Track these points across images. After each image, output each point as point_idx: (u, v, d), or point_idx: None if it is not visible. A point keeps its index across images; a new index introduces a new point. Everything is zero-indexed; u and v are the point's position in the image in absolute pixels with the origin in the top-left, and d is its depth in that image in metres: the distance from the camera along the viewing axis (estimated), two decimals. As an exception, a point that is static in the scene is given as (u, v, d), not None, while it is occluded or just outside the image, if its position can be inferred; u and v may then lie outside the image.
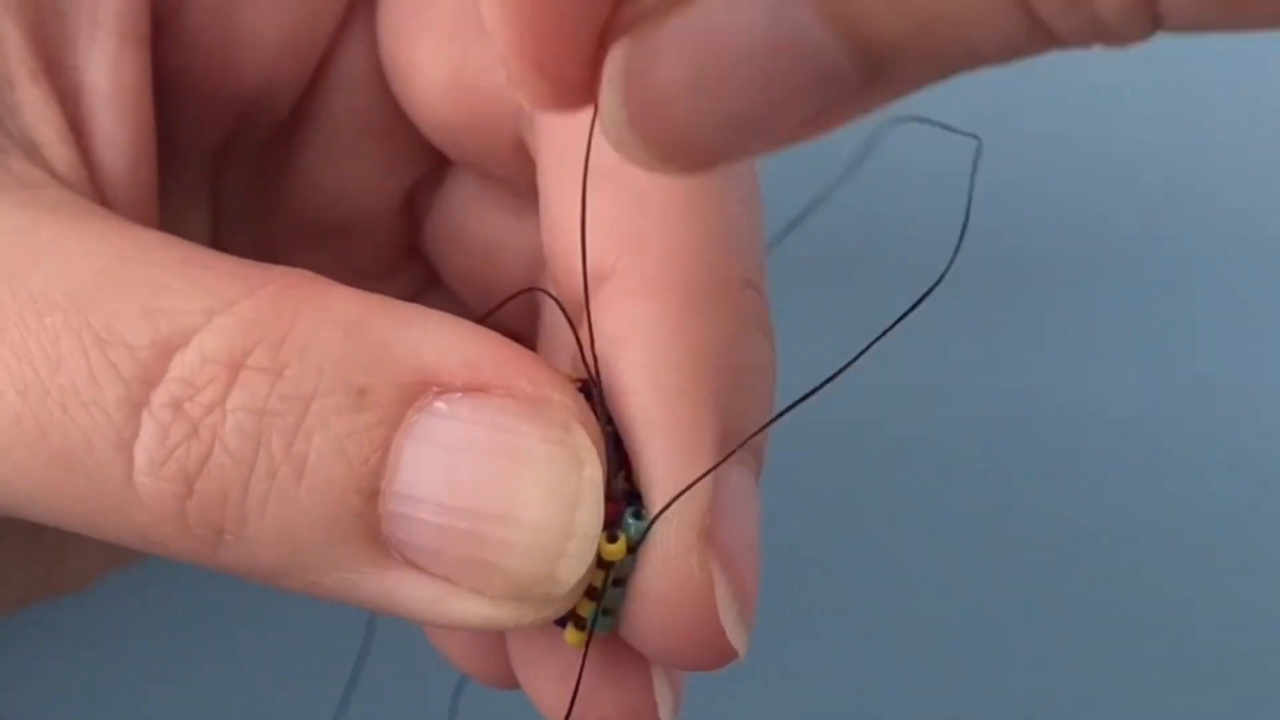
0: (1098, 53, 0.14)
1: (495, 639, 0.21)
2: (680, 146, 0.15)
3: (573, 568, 0.17)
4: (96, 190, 0.21)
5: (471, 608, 0.18)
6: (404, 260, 0.27)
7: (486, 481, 0.17)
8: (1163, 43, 0.14)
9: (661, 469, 0.18)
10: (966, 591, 0.35)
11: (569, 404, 0.18)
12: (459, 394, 0.17)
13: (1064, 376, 0.37)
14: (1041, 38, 0.13)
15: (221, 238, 0.26)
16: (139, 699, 0.32)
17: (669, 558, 0.18)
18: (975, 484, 0.36)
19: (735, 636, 0.18)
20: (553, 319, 0.23)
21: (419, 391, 0.17)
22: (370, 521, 0.17)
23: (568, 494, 0.17)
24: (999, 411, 0.36)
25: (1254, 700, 0.34)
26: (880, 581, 0.35)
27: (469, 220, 0.25)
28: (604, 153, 0.19)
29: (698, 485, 0.18)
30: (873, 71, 0.14)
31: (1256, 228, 0.38)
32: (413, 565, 0.17)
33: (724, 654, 0.19)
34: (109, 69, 0.21)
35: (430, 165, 0.25)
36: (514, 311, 0.24)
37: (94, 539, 0.24)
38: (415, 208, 0.26)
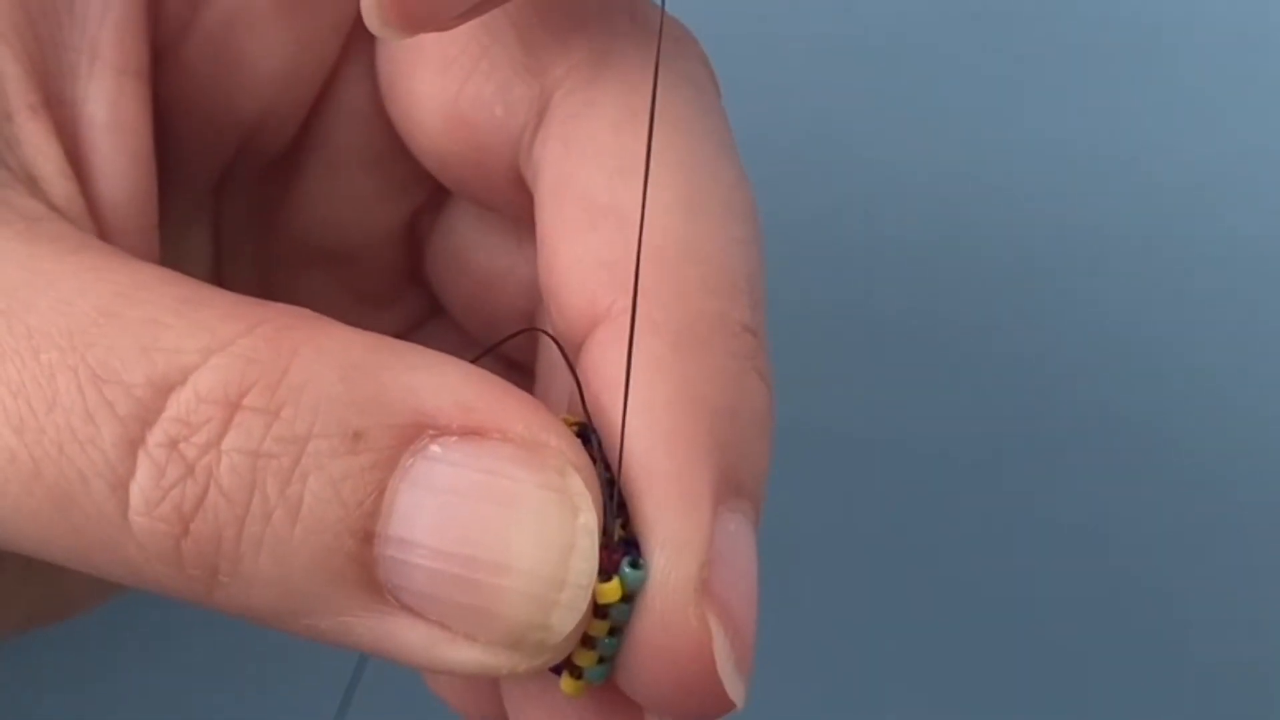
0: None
1: (490, 682, 0.21)
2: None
3: (567, 616, 0.17)
4: (96, 223, 0.21)
5: (465, 654, 0.17)
6: (406, 287, 0.27)
7: (480, 527, 0.17)
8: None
9: (658, 517, 0.18)
10: (964, 592, 0.35)
11: (565, 449, 0.18)
12: (454, 437, 0.17)
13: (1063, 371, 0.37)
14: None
15: (222, 267, 0.26)
16: (140, 701, 0.32)
17: (666, 610, 0.18)
18: (973, 484, 0.36)
19: (733, 689, 0.18)
20: (551, 357, 0.23)
21: (414, 434, 0.17)
22: (365, 565, 0.17)
23: (562, 541, 0.17)
24: (997, 410, 0.37)
25: (1253, 700, 0.34)
26: (879, 582, 0.35)
27: (469, 249, 0.25)
28: (602, 190, 0.20)
29: (695, 536, 0.18)
30: None
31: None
32: (407, 610, 0.17)
33: (721, 706, 0.18)
34: (108, 102, 0.21)
35: (431, 193, 0.25)
36: (516, 345, 0.24)
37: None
38: (417, 234, 0.26)
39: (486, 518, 0.17)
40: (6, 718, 0.31)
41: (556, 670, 0.19)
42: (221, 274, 0.26)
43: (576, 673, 0.19)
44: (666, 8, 0.20)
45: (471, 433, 0.17)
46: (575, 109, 0.21)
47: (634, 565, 0.18)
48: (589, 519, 0.17)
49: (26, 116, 0.20)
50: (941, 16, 0.39)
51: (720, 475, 0.19)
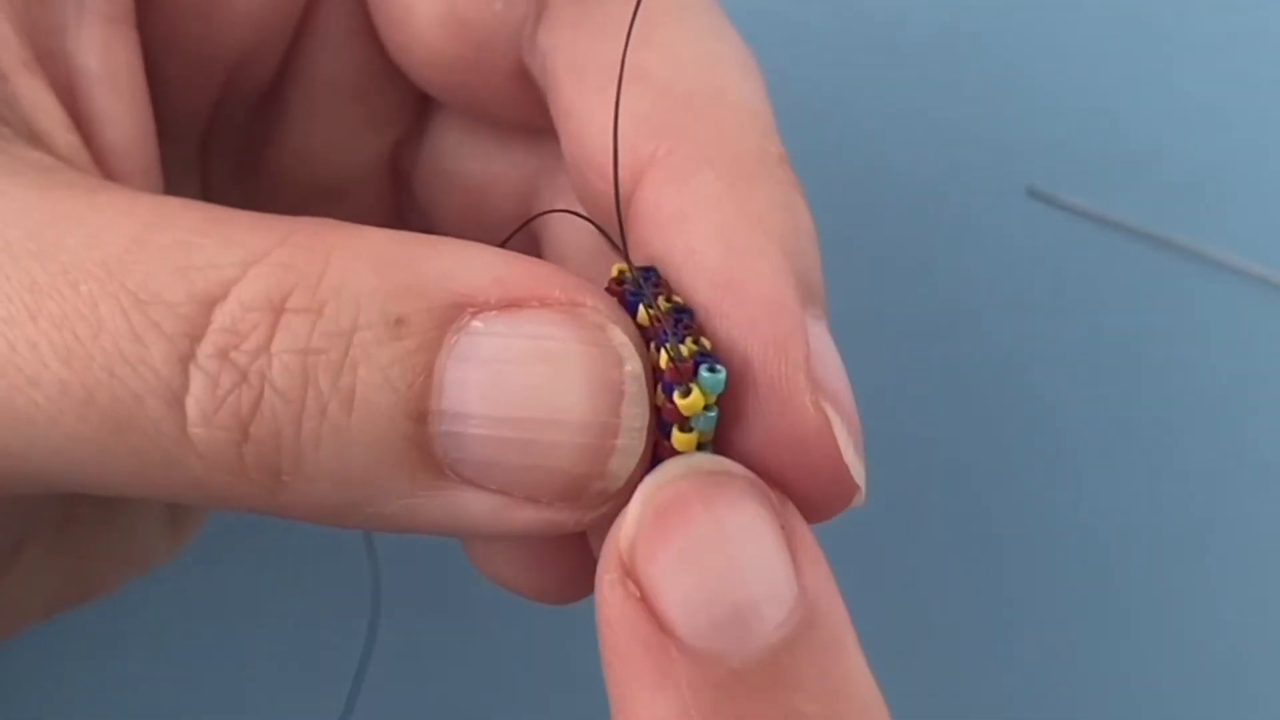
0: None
1: (544, 556, 0.22)
2: None
3: (624, 462, 0.18)
4: (103, 171, 0.21)
5: (531, 514, 0.18)
6: (394, 222, 0.27)
7: (529, 389, 0.17)
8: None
9: (756, 320, 0.18)
10: (962, 594, 0.35)
11: (601, 307, 0.18)
12: (494, 311, 0.18)
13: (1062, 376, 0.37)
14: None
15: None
16: (139, 700, 0.32)
17: (786, 399, 0.18)
18: (972, 485, 0.36)
19: (855, 470, 0.19)
20: (560, 245, 0.23)
21: (455, 314, 0.18)
22: (423, 444, 0.18)
23: (610, 391, 0.18)
24: (995, 410, 0.37)
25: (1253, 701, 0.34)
26: (879, 581, 0.34)
27: (458, 164, 0.25)
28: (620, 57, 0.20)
29: (797, 328, 0.18)
30: None
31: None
32: (469, 482, 0.18)
33: (849, 489, 0.19)
34: (99, 51, 0.21)
35: (411, 122, 0.26)
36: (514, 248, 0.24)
37: (111, 544, 0.24)
38: (401, 167, 0.26)
39: (534, 379, 0.18)
40: (6, 718, 0.31)
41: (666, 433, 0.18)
42: None
43: (685, 426, 0.18)
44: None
45: (510, 304, 0.18)
46: None
47: (711, 370, 0.18)
48: (635, 366, 0.18)
49: (22, 74, 0.20)
50: (943, 17, 0.39)
51: (798, 281, 0.19)
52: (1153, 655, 0.34)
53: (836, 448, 0.18)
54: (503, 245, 0.19)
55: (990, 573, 0.35)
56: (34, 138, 0.20)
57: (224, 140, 0.26)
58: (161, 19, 0.23)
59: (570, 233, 0.24)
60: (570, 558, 0.22)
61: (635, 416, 0.18)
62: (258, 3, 0.24)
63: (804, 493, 0.19)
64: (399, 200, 0.27)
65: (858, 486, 0.19)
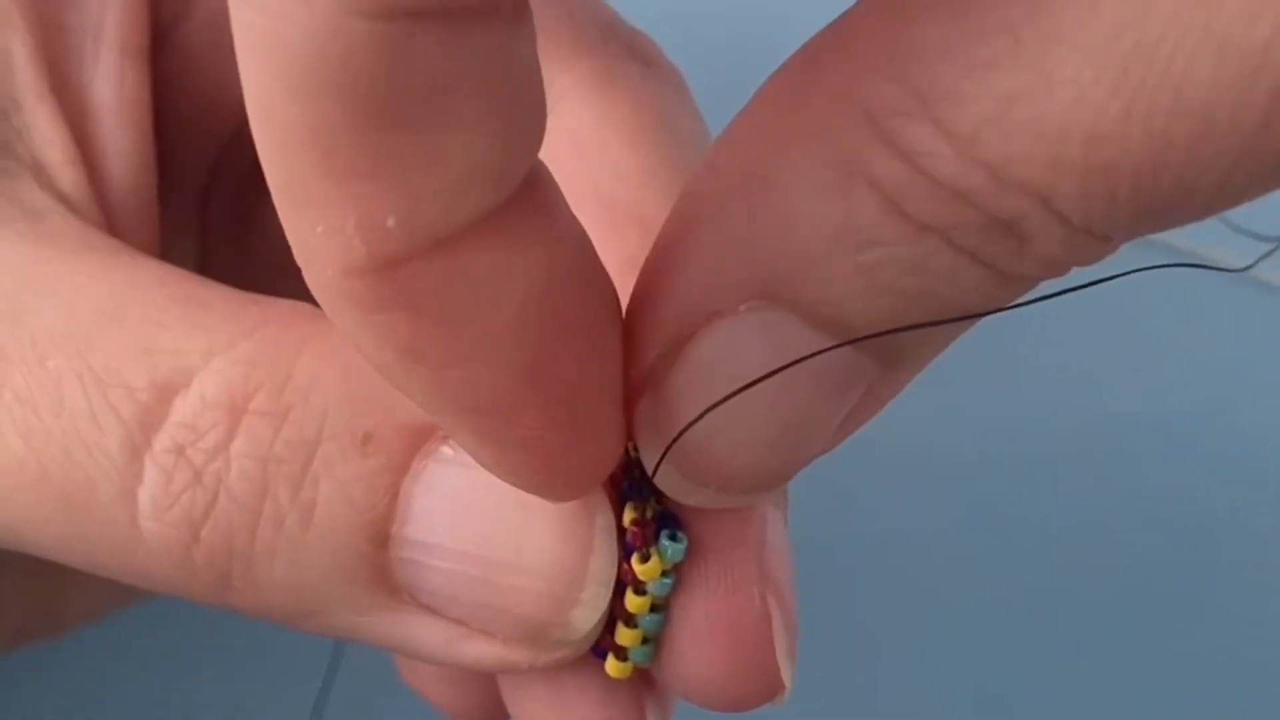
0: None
1: (476, 681, 0.21)
2: (738, 480, 0.16)
3: (587, 614, 0.17)
4: (102, 205, 0.20)
5: (484, 650, 0.17)
6: None
7: (497, 528, 0.17)
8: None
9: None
10: (960, 595, 0.34)
11: None
12: None
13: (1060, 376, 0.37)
14: (1013, 282, 0.14)
15: (209, 264, 0.25)
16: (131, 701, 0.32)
17: (731, 587, 0.18)
18: (971, 486, 0.36)
19: (785, 671, 0.18)
20: None
21: (424, 436, 0.17)
22: (380, 566, 0.17)
23: (580, 542, 0.17)
24: (993, 412, 0.37)
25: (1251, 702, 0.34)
26: (875, 584, 0.35)
27: None
28: (621, 194, 0.20)
29: (752, 521, 0.18)
30: (881, 356, 0.15)
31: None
32: (425, 609, 0.17)
33: (773, 688, 0.18)
34: (112, 83, 0.21)
35: None
36: None
37: (97, 577, 0.24)
38: None
39: (503, 520, 0.17)
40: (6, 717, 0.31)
41: (600, 654, 0.18)
42: (206, 268, 0.25)
43: (621, 654, 0.18)
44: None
45: None
46: (584, 122, 0.21)
47: (673, 538, 0.17)
48: (607, 519, 0.17)
49: (35, 104, 0.20)
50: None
51: (766, 472, 0.18)
52: (1152, 655, 0.34)
53: (771, 643, 0.18)
54: None
55: (989, 574, 0.35)
56: (39, 170, 0.20)
57: (226, 192, 0.25)
58: (176, 58, 0.22)
59: None
60: (492, 687, 0.21)
61: (602, 570, 0.17)
62: None
63: (728, 677, 0.18)
64: None
65: (783, 688, 0.18)
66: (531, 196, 0.14)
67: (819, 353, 0.15)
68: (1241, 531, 0.35)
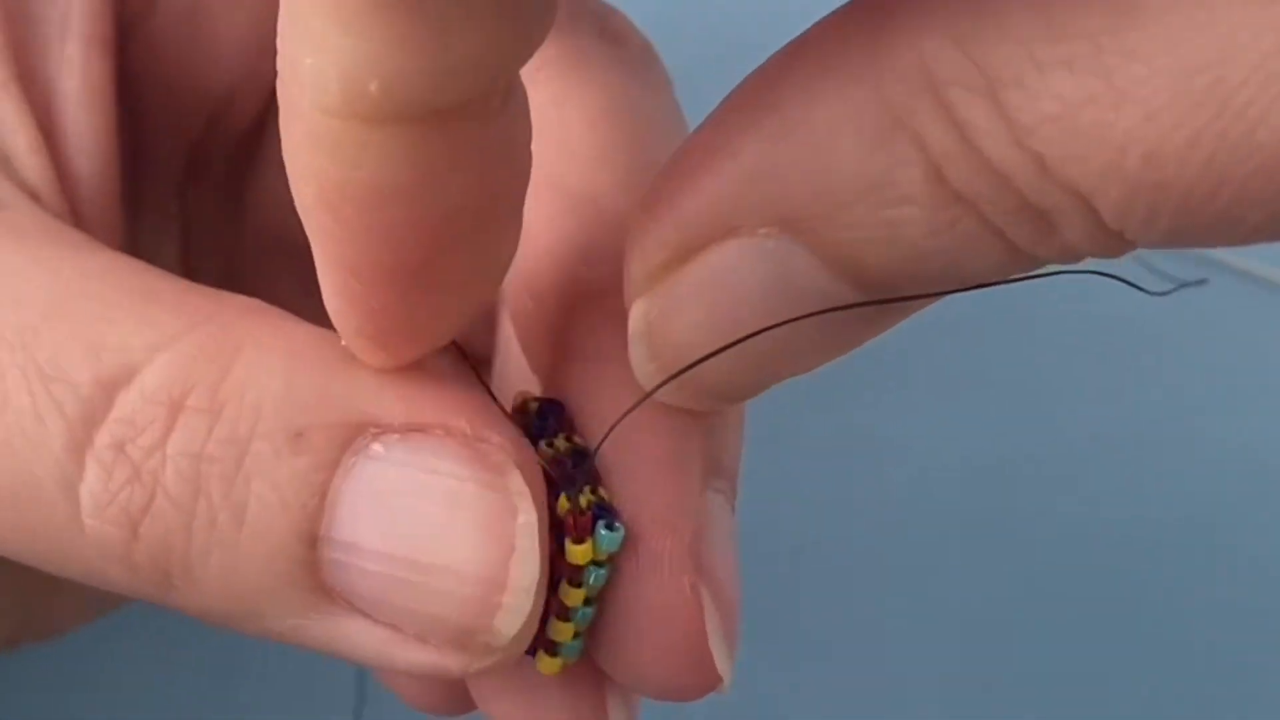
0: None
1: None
2: (709, 387, 0.17)
3: (510, 620, 0.17)
4: (67, 195, 0.20)
5: (418, 655, 0.17)
6: None
7: (422, 529, 0.17)
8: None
9: (650, 491, 0.18)
10: (960, 596, 0.35)
11: (506, 445, 0.17)
12: (396, 435, 0.17)
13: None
14: (1025, 261, 0.15)
15: (190, 260, 0.25)
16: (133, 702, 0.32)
17: (661, 579, 0.18)
18: (971, 487, 0.36)
19: (721, 664, 0.18)
20: (509, 335, 0.22)
21: (356, 433, 0.17)
22: (312, 569, 0.17)
23: (502, 544, 0.17)
24: (995, 412, 0.37)
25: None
26: (875, 582, 0.35)
27: None
28: (576, 179, 0.20)
29: (689, 506, 0.18)
30: (874, 299, 0.15)
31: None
32: (359, 612, 0.17)
33: (709, 681, 0.18)
34: (78, 73, 0.21)
35: None
36: (473, 335, 0.23)
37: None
38: None
39: (428, 519, 0.17)
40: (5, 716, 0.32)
41: (531, 651, 0.18)
42: (189, 260, 0.25)
43: (553, 649, 0.18)
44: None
45: (414, 430, 0.17)
46: (544, 103, 0.20)
47: (609, 528, 0.17)
48: (529, 519, 0.17)
49: (1, 94, 0.20)
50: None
51: (705, 455, 0.18)
52: (1152, 655, 0.34)
53: (704, 634, 0.18)
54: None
55: (987, 575, 0.35)
56: (4, 161, 0.20)
57: (205, 187, 0.25)
58: (146, 51, 0.22)
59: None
60: (458, 680, 0.21)
61: (524, 575, 0.17)
62: (247, 41, 0.23)
63: (662, 668, 0.18)
64: None
65: (720, 680, 0.18)
66: (504, 108, 0.14)
67: (835, 309, 0.15)
68: (1241, 532, 0.35)
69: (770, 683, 0.32)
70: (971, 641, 0.34)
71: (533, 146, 0.20)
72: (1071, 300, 0.36)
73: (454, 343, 0.19)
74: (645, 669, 0.18)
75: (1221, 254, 0.37)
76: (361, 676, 0.30)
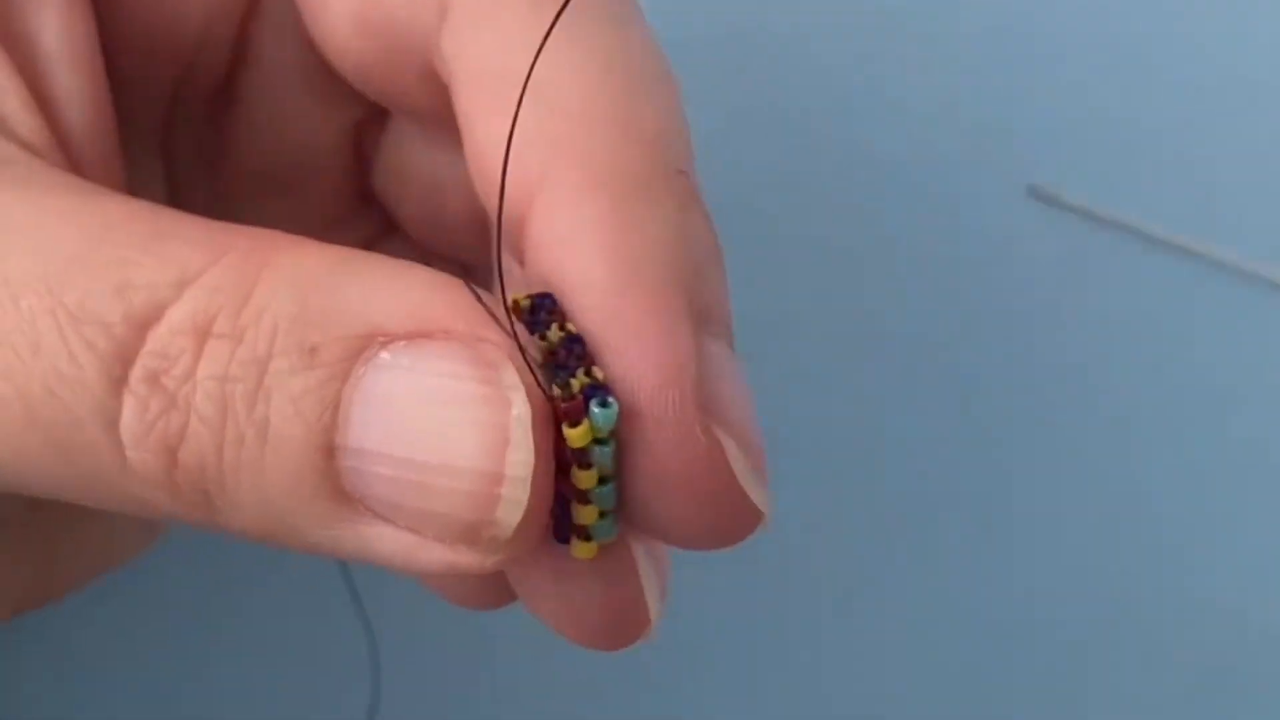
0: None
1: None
2: None
3: (510, 510, 0.17)
4: (65, 153, 0.21)
5: (438, 555, 0.18)
6: (359, 208, 0.27)
7: (426, 431, 0.17)
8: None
9: (643, 348, 0.18)
10: (959, 597, 0.35)
11: (500, 342, 0.17)
12: (402, 342, 0.17)
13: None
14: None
15: (178, 200, 0.26)
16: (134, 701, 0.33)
17: (672, 432, 0.18)
18: (971, 488, 0.36)
19: (756, 495, 0.18)
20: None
21: (365, 344, 0.17)
22: (333, 478, 0.17)
23: (495, 435, 0.17)
24: (994, 413, 0.37)
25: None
26: (873, 582, 0.35)
27: (412, 159, 0.25)
28: (517, 64, 0.19)
29: (683, 358, 0.18)
30: None
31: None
32: (381, 518, 0.18)
33: (749, 516, 0.18)
34: (60, 31, 0.21)
35: (369, 106, 0.25)
36: (469, 248, 0.24)
37: (82, 537, 0.24)
38: (363, 152, 0.26)
39: (430, 420, 0.17)
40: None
41: (563, 538, 0.18)
42: (177, 207, 0.26)
43: (584, 534, 0.18)
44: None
45: (419, 336, 0.17)
46: None
47: (602, 404, 0.18)
48: (522, 410, 0.17)
49: None
50: (944, 12, 0.39)
51: (692, 304, 0.19)
52: (1151, 655, 0.34)
53: (732, 475, 0.18)
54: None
55: (986, 575, 0.35)
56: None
57: (186, 131, 0.26)
58: (115, 5, 0.23)
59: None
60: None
61: (519, 464, 0.17)
62: None
63: (706, 522, 0.18)
64: (360, 188, 0.27)
65: (761, 513, 0.19)
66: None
67: None
68: (1241, 532, 0.36)
69: (770, 682, 0.32)
70: (972, 642, 0.34)
71: (472, 41, 0.20)
72: (1071, 300, 0.37)
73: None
74: (686, 526, 0.18)
75: (1222, 254, 0.37)
76: (376, 675, 0.30)
